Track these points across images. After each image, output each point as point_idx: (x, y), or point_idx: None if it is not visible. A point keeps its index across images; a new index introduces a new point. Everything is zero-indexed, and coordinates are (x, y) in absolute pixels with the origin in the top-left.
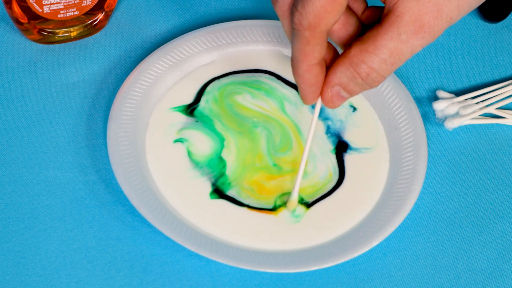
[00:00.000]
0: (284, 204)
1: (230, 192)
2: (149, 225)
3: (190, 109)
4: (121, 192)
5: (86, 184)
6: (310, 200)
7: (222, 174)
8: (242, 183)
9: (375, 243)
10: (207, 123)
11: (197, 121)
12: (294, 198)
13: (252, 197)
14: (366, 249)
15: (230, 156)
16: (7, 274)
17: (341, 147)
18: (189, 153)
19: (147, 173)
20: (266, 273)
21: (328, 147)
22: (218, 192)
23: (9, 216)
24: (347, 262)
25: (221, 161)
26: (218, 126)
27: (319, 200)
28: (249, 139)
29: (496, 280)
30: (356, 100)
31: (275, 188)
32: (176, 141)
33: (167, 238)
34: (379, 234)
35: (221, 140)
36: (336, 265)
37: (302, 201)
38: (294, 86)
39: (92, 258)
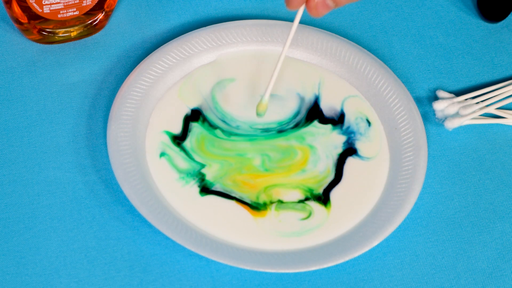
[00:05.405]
0: (270, 202)
1: (216, 187)
2: (149, 225)
3: (177, 141)
4: (121, 192)
5: (86, 184)
6: (321, 190)
7: (202, 180)
8: (224, 181)
9: (375, 243)
10: (189, 156)
11: (180, 151)
12: (265, 100)
13: (235, 190)
14: (366, 249)
15: (210, 170)
16: (7, 274)
17: (348, 152)
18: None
19: (147, 173)
20: (266, 273)
21: (338, 150)
22: (205, 190)
23: (9, 216)
24: (347, 262)
25: (199, 173)
26: (198, 159)
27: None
28: (237, 161)
29: (496, 280)
30: (370, 114)
31: (260, 183)
32: (161, 156)
33: (167, 238)
34: (379, 234)
35: (202, 166)
36: (336, 265)
37: (313, 195)
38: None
39: (92, 258)
